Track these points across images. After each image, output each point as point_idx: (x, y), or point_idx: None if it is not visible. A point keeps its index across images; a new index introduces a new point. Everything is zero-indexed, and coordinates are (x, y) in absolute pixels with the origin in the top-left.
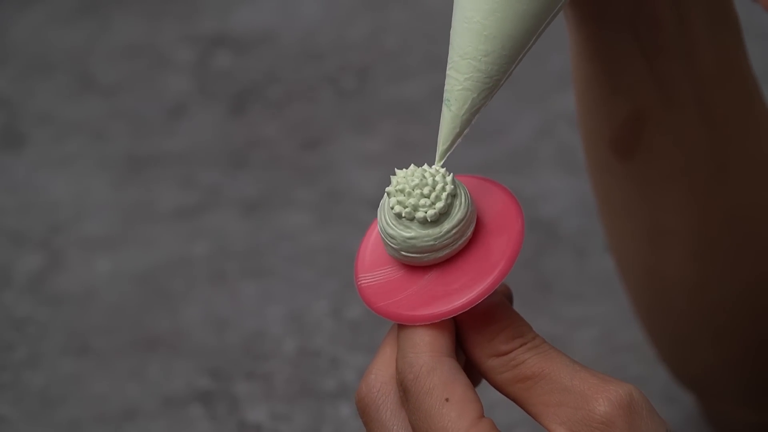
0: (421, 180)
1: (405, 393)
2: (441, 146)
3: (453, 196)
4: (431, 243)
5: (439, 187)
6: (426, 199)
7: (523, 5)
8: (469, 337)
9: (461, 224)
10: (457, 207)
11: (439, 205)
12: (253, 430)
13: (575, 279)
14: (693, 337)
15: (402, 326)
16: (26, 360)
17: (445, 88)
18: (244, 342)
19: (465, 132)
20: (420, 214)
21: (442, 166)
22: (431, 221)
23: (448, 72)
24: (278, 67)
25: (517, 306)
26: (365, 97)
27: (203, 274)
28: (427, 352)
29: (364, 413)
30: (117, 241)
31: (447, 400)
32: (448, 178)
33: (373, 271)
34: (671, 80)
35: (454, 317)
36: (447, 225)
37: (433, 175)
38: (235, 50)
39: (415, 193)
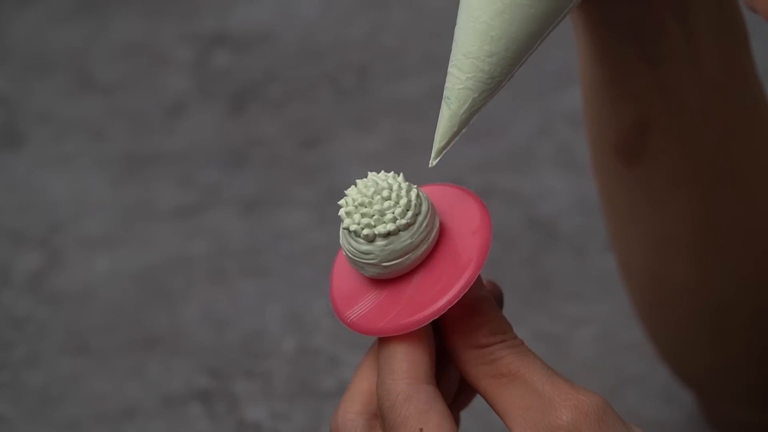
0: (376, 187)
1: (382, 420)
2: (437, 144)
3: (410, 191)
4: (409, 241)
5: (395, 188)
6: (389, 202)
7: (531, 8)
8: (451, 325)
9: (429, 214)
10: (421, 199)
11: (403, 201)
12: (253, 429)
13: (574, 278)
14: (695, 338)
15: (383, 349)
16: (25, 359)
17: (446, 85)
18: (244, 341)
19: (462, 131)
20: (389, 218)
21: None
22: (407, 222)
23: (450, 69)
24: (277, 65)
25: (517, 305)
26: (364, 96)
27: (202, 273)
28: (405, 380)
29: None
30: (116, 240)
31: (421, 430)
32: (399, 178)
33: (357, 303)
34: (677, 87)
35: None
36: (420, 218)
37: (386, 180)
38: (234, 49)
39: (375, 200)
